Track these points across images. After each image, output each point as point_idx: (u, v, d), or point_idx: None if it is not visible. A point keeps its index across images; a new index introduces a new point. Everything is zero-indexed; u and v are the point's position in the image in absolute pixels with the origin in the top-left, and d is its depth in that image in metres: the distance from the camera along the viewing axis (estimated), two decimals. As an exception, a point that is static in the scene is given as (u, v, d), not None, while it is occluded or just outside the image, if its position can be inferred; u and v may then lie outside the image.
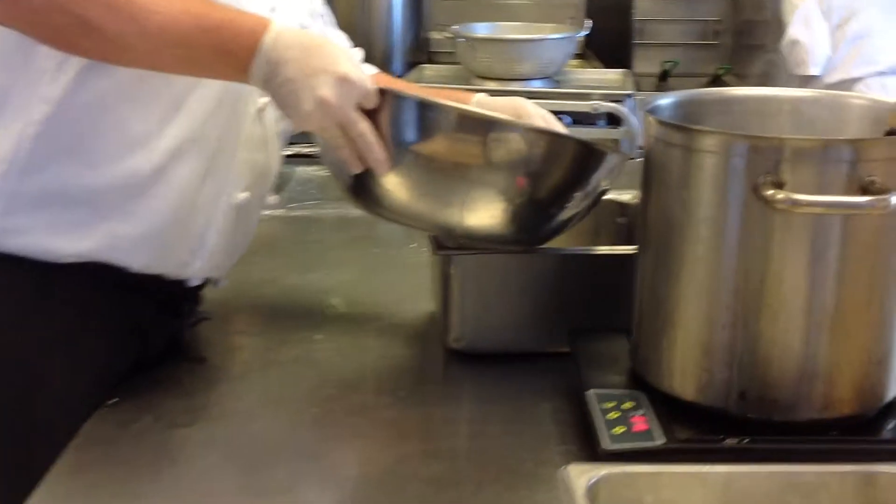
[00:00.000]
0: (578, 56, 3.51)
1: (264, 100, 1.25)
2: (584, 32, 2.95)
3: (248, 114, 1.23)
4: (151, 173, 1.15)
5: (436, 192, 1.13)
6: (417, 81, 3.01)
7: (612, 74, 3.06)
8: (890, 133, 1.01)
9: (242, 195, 1.24)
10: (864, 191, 0.93)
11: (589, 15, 3.50)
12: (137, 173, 1.15)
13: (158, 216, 1.17)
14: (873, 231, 0.96)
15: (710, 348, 1.00)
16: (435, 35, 3.36)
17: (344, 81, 1.06)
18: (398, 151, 1.09)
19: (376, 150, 1.08)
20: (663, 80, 3.35)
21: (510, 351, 1.27)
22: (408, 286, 1.51)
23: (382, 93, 1.09)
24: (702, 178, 0.99)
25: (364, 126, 1.07)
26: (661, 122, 1.04)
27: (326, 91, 1.05)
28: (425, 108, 1.10)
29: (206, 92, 1.17)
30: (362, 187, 1.16)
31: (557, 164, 1.14)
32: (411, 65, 3.25)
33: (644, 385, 1.07)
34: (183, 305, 1.28)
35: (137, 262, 1.17)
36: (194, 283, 1.25)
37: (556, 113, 2.80)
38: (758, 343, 0.98)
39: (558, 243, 1.25)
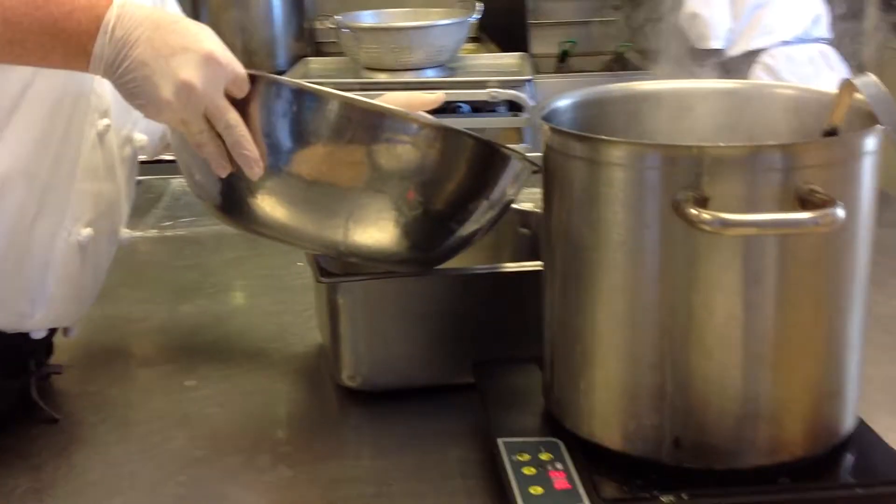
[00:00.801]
0: (473, 40, 3.38)
1: (105, 122, 1.08)
2: (475, 16, 2.82)
3: (86, 138, 1.06)
4: None
5: (316, 202, 0.96)
6: (303, 76, 2.84)
7: (509, 59, 2.94)
8: (829, 133, 0.88)
9: (85, 232, 1.07)
10: (803, 202, 0.80)
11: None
12: None
13: None
14: (816, 248, 0.83)
15: (635, 391, 0.87)
16: (319, 25, 3.19)
17: (210, 61, 0.89)
18: (272, 151, 0.93)
19: (247, 146, 0.91)
20: (563, 62, 3.23)
21: (411, 386, 1.13)
22: (295, 313, 1.35)
23: (253, 79, 0.92)
24: (611, 195, 0.85)
25: (234, 116, 0.91)
26: (558, 131, 0.89)
27: (190, 73, 0.88)
28: (304, 97, 0.93)
29: (30, 116, 0.99)
30: (231, 198, 0.99)
31: (457, 167, 0.98)
32: (296, 58, 3.08)
33: (561, 430, 0.93)
34: (27, 362, 1.10)
35: None
36: (38, 335, 1.07)
37: (452, 102, 2.69)
38: (690, 383, 0.85)
39: (454, 261, 1.10)
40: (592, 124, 0.97)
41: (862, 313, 0.89)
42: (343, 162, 0.94)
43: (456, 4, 3.04)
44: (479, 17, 2.87)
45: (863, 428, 0.93)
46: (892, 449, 0.90)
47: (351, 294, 1.10)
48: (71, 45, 0.90)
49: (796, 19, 2.79)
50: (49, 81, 1.00)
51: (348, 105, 0.93)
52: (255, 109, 0.93)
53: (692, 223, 0.78)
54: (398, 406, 1.10)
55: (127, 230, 1.17)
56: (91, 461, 1.02)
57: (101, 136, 1.07)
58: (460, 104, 2.64)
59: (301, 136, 0.94)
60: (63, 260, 1.05)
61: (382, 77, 2.70)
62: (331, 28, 2.81)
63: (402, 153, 0.95)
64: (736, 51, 2.78)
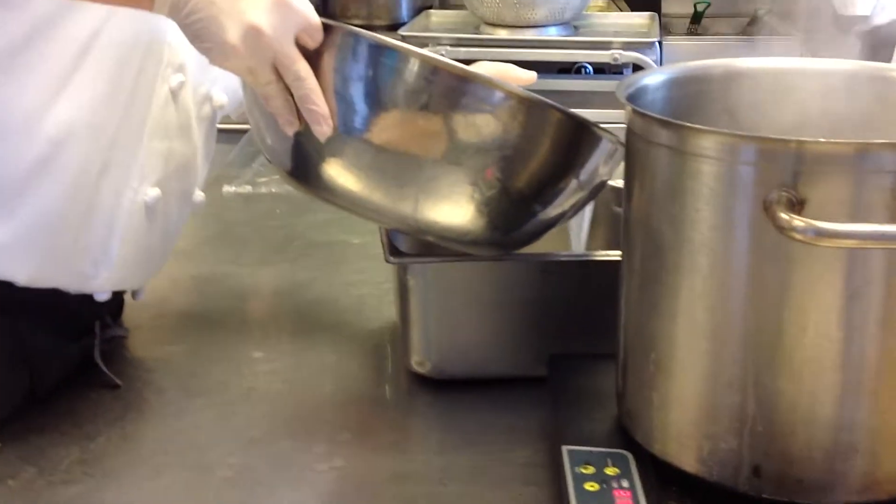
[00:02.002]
0: (605, -4, 3.24)
1: (179, 77, 1.03)
2: (604, -27, 2.69)
3: (158, 93, 1.01)
4: (32, 165, 0.94)
5: (387, 170, 0.89)
6: (423, 29, 2.77)
7: (638, 19, 2.80)
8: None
9: (153, 192, 1.02)
10: (914, 211, 0.69)
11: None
12: (14, 165, 0.94)
13: (42, 217, 0.96)
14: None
15: (712, 410, 0.78)
16: (443, -23, 3.11)
17: (281, 5, 0.83)
18: (343, 109, 0.86)
19: (317, 100, 0.85)
20: (695, 23, 3.07)
21: (482, 376, 1.06)
22: (374, 285, 1.30)
23: (328, 29, 0.86)
24: (696, 190, 0.76)
25: (304, 66, 0.85)
26: (642, 114, 0.80)
27: (259, 16, 0.82)
28: (382, 53, 0.86)
29: (98, 66, 0.95)
30: (300, 162, 0.93)
31: (543, 143, 0.90)
32: (419, 10, 3.01)
33: (632, 442, 0.85)
34: (91, 324, 1.07)
35: (21, 273, 0.96)
36: (102, 297, 1.04)
37: (573, 63, 2.58)
38: (775, 406, 0.76)
39: (536, 243, 1.02)
40: (685, 106, 0.88)
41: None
42: (418, 128, 0.87)
43: (585, -41, 2.91)
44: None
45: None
46: None
47: (422, 276, 1.03)
48: None
49: None
50: (119, 30, 0.96)
51: (429, 65, 0.85)
52: (328, 63, 0.86)
53: (782, 229, 0.69)
54: (468, 396, 1.04)
55: (201, 193, 1.13)
56: (144, 433, 0.99)
57: (175, 92, 1.03)
58: (583, 65, 2.53)
59: (375, 96, 0.86)
60: (128, 220, 1.01)
61: (502, 33, 2.60)
62: (453, -19, 2.72)
63: (482, 123, 0.87)
64: (883, 18, 2.59)
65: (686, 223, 0.77)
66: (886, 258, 0.72)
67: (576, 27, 2.69)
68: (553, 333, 1.04)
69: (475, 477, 0.92)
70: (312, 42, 0.85)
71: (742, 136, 0.76)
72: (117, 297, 1.10)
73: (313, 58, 0.86)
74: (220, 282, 1.33)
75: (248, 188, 1.66)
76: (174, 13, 0.86)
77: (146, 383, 1.08)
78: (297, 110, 0.87)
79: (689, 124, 0.77)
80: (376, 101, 0.87)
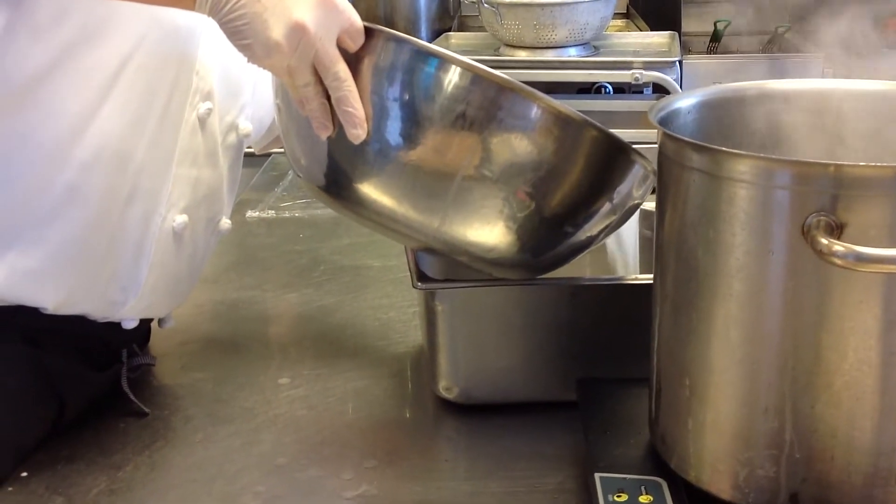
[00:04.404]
0: (623, 16, 3.24)
1: (206, 105, 1.03)
2: (623, -7, 2.69)
3: (186, 121, 1.01)
4: (61, 191, 0.94)
5: (420, 183, 0.87)
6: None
7: (657, 38, 2.80)
8: None
9: (180, 218, 1.02)
10: (956, 235, 0.68)
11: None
12: (44, 192, 0.93)
13: (71, 244, 0.95)
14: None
15: (749, 435, 0.77)
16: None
17: (326, 4, 0.82)
18: (379, 115, 0.85)
19: (354, 103, 0.84)
20: (715, 41, 3.06)
21: (510, 401, 1.05)
22: (400, 309, 1.30)
23: (370, 33, 0.85)
24: (731, 214, 0.75)
25: (343, 68, 0.83)
26: (673, 138, 0.79)
27: (304, 13, 0.81)
28: (424, 58, 0.84)
29: (127, 94, 0.95)
30: (331, 172, 0.92)
31: (577, 161, 0.88)
32: (439, 32, 3.01)
33: (666, 468, 0.84)
34: (119, 353, 1.06)
35: (50, 300, 0.96)
36: (130, 325, 1.04)
37: (593, 83, 2.58)
38: (813, 433, 0.74)
39: (565, 267, 1.01)
40: (719, 128, 0.87)
41: None
42: (455, 138, 0.85)
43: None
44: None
45: None
46: None
47: (450, 301, 1.02)
48: None
49: None
50: (148, 58, 0.96)
51: (472, 73, 0.84)
52: (368, 66, 0.85)
53: (822, 254, 0.68)
54: (496, 422, 1.03)
55: (228, 220, 1.13)
56: (172, 462, 0.98)
57: (203, 120, 1.03)
58: (604, 85, 2.53)
59: (413, 103, 0.85)
60: (157, 247, 1.01)
61: (523, 55, 2.60)
62: (473, 2, 2.72)
63: (519, 135, 0.85)
64: None
65: (721, 248, 0.76)
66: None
67: (596, 47, 2.69)
68: (582, 358, 1.03)
69: (506, 506, 0.91)
70: (354, 44, 0.85)
71: (778, 160, 0.75)
72: (144, 325, 1.10)
73: (353, 61, 0.85)
74: (245, 307, 1.32)
75: (271, 213, 1.66)
76: (215, 11, 0.84)
77: (173, 411, 1.07)
78: (333, 115, 0.86)
79: (723, 148, 0.76)
80: (414, 109, 0.85)
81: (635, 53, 2.62)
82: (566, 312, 1.03)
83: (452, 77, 0.84)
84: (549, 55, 2.58)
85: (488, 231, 0.90)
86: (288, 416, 1.05)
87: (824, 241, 0.68)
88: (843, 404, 0.73)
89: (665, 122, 0.84)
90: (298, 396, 1.09)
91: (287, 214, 1.66)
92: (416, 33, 3.07)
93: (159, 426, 1.04)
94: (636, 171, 0.91)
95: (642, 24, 3.09)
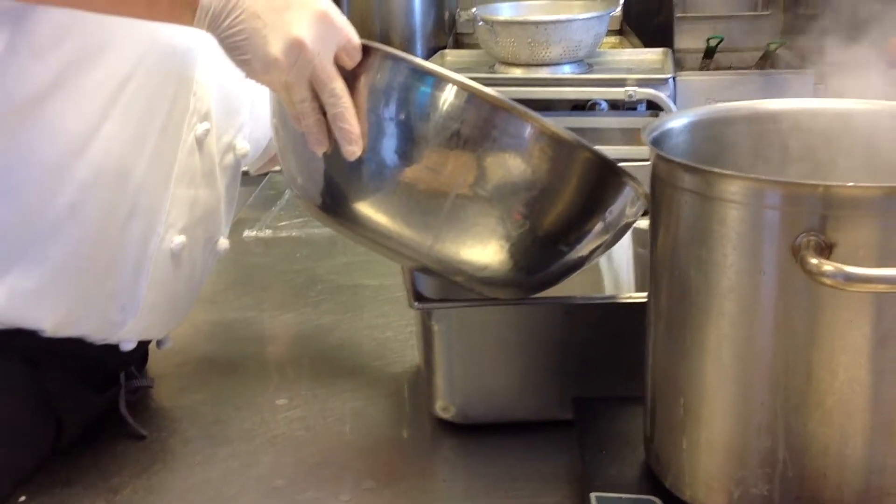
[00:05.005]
0: (617, 33, 3.25)
1: (204, 126, 1.03)
2: (615, 10, 2.70)
3: (184, 141, 1.02)
4: (61, 210, 0.94)
5: (416, 201, 0.88)
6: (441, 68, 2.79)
7: (651, 55, 2.81)
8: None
9: (178, 238, 1.03)
10: (944, 254, 0.69)
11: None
12: (44, 211, 0.94)
13: (70, 263, 0.96)
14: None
15: (742, 454, 0.78)
16: (463, 15, 3.12)
17: (324, 20, 0.83)
18: (375, 133, 0.85)
19: (350, 120, 0.84)
20: (708, 58, 3.08)
21: (508, 420, 1.05)
22: (397, 329, 1.30)
23: (367, 50, 0.86)
24: (723, 234, 0.75)
25: (340, 84, 0.84)
26: (667, 160, 0.80)
27: (303, 30, 0.82)
28: (420, 77, 0.85)
29: (126, 114, 0.96)
30: (327, 190, 0.92)
31: (571, 180, 0.89)
32: (435, 50, 3.03)
33: (661, 487, 0.85)
34: (117, 375, 1.07)
35: (48, 321, 0.97)
36: (128, 346, 1.04)
37: (588, 100, 2.59)
38: (806, 450, 0.75)
39: (559, 286, 1.02)
40: (709, 148, 0.88)
41: None
42: (451, 157, 0.85)
43: (599, -3, 2.93)
44: (620, 10, 2.75)
45: None
46: None
47: (447, 320, 1.03)
48: None
49: None
50: (147, 78, 0.97)
51: (468, 92, 0.85)
52: (364, 83, 0.86)
53: (811, 274, 0.69)
54: (493, 441, 1.03)
55: (226, 240, 1.13)
56: (170, 485, 0.99)
57: (200, 140, 1.03)
58: (598, 101, 2.54)
59: (410, 121, 0.85)
60: (155, 267, 1.02)
61: (517, 72, 2.61)
62: (469, 20, 2.74)
63: (514, 154, 0.86)
64: None
65: (713, 267, 0.77)
66: (918, 299, 0.71)
67: (590, 64, 2.70)
68: (578, 376, 1.03)
69: (503, 528, 0.91)
70: (351, 61, 0.85)
71: (768, 180, 0.76)
72: (142, 347, 1.10)
73: (350, 78, 0.85)
74: (243, 328, 1.33)
75: (268, 232, 1.67)
76: (214, 27, 0.85)
77: (172, 433, 1.08)
78: (329, 131, 0.86)
79: (714, 169, 0.77)
80: (410, 127, 0.86)
81: (629, 70, 2.62)
82: (562, 331, 1.03)
83: (448, 96, 0.85)
84: (544, 72, 2.59)
85: (482, 250, 0.91)
86: (286, 438, 1.06)
87: (814, 260, 0.69)
88: (835, 422, 0.74)
89: (658, 142, 0.85)
90: (296, 417, 1.10)
91: (284, 234, 1.67)
92: (411, 50, 3.09)
93: (157, 448, 1.05)
94: (627, 193, 0.92)
95: (636, 41, 3.10)
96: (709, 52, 3.11)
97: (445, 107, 0.85)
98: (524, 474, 0.98)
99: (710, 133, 0.90)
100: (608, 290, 1.19)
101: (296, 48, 0.82)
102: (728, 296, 0.76)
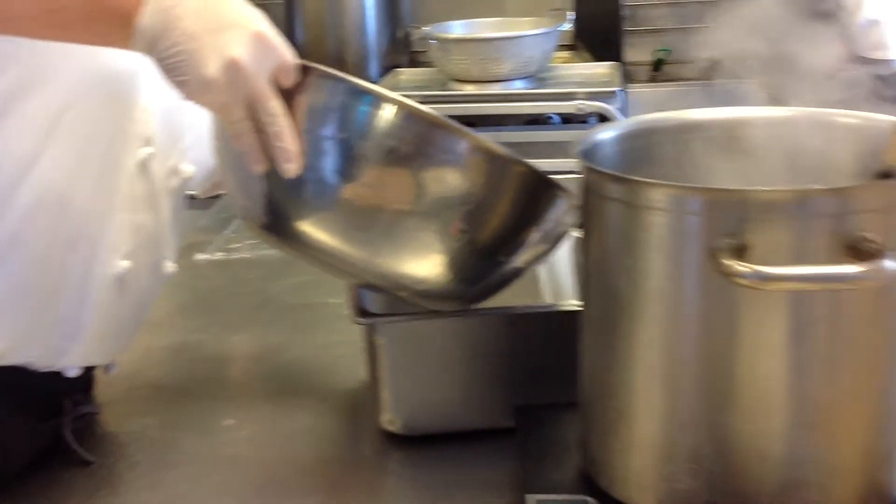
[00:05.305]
0: (569, 48, 3.29)
1: (147, 150, 1.04)
2: (564, 26, 2.73)
3: (126, 167, 1.02)
4: (4, 238, 0.95)
5: (356, 219, 0.89)
6: (392, 87, 2.80)
7: (601, 69, 2.84)
8: (885, 175, 0.79)
9: (123, 264, 1.04)
10: (854, 251, 0.71)
11: (579, 3, 3.29)
12: None
13: (13, 291, 0.97)
14: (870, 303, 0.74)
15: (669, 452, 0.80)
16: (416, 34, 3.15)
17: (260, 40, 0.84)
18: (313, 152, 0.87)
19: (286, 138, 0.85)
20: (657, 70, 3.12)
21: (453, 430, 1.07)
22: (348, 345, 1.30)
23: (305, 70, 0.87)
24: (648, 241, 0.78)
25: (277, 104, 0.85)
26: (594, 170, 0.82)
27: (239, 50, 0.83)
28: (357, 96, 0.86)
29: (67, 141, 0.96)
30: (270, 211, 0.93)
31: (506, 194, 0.91)
32: (389, 68, 3.05)
33: (596, 488, 0.87)
34: (61, 402, 1.07)
35: None
36: (72, 373, 1.05)
37: (540, 115, 2.62)
38: (729, 446, 0.77)
39: (502, 297, 1.03)
40: (638, 159, 0.90)
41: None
42: (389, 175, 0.87)
43: (549, 13, 2.97)
44: (569, 26, 2.78)
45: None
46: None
47: (389, 334, 1.05)
48: (115, 16, 0.86)
49: None
50: (88, 104, 0.98)
51: (404, 110, 0.86)
52: (302, 103, 0.87)
53: (726, 275, 0.71)
54: (440, 452, 1.04)
55: (172, 264, 1.14)
56: (115, 510, 1.00)
57: (144, 165, 1.04)
58: (551, 115, 2.57)
59: (348, 140, 0.87)
60: (99, 293, 1.02)
61: (470, 89, 2.64)
62: (422, 39, 2.76)
63: (451, 170, 0.88)
64: None
65: (640, 273, 0.79)
66: (829, 299, 0.74)
67: (541, 79, 2.73)
68: (521, 385, 1.05)
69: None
70: (288, 81, 0.86)
71: (688, 187, 0.78)
72: (87, 373, 1.11)
73: (287, 98, 0.87)
74: (193, 350, 1.34)
75: (220, 255, 1.68)
76: (151, 49, 0.86)
77: (119, 458, 1.08)
78: (267, 149, 0.87)
79: (638, 178, 0.79)
80: (347, 145, 0.87)
81: (579, 84, 2.66)
82: (504, 341, 1.05)
83: (385, 114, 0.86)
84: (496, 88, 2.62)
85: (422, 263, 0.93)
86: (233, 458, 1.07)
87: (728, 262, 0.71)
88: (756, 418, 0.76)
89: (589, 154, 0.87)
90: (244, 437, 1.11)
91: (236, 256, 1.67)
92: (366, 70, 3.10)
93: (104, 474, 1.05)
94: (561, 204, 0.94)
95: (588, 55, 3.14)
96: (657, 65, 3.16)
97: (382, 125, 0.87)
98: (468, 482, 0.99)
99: (640, 143, 0.93)
100: (549, 299, 1.20)
101: (232, 68, 0.83)
102: (654, 300, 0.79)
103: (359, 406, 1.17)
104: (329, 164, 0.88)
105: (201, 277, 1.61)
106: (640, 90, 2.81)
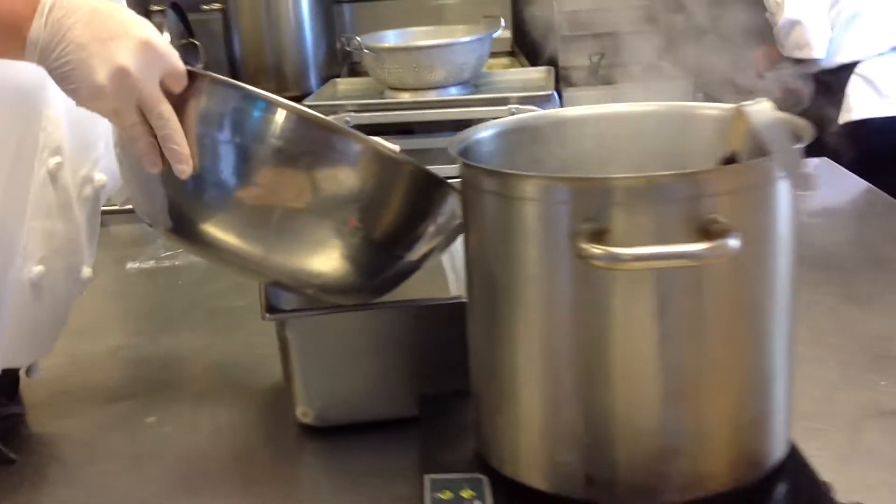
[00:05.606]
0: (508, 54, 3.35)
1: (56, 160, 1.08)
2: (496, 33, 2.80)
3: (36, 176, 1.06)
4: None
5: (254, 220, 0.94)
6: (330, 97, 2.85)
7: (536, 73, 2.92)
8: (729, 160, 0.85)
9: (37, 269, 1.08)
10: (705, 232, 0.77)
11: (515, 10, 3.35)
12: None
13: None
14: (725, 278, 0.80)
15: (549, 429, 0.85)
16: (346, 47, 3.20)
17: (147, 48, 0.88)
18: (206, 156, 0.91)
19: (177, 140, 0.89)
20: (593, 73, 3.19)
21: (364, 420, 1.11)
22: (274, 345, 1.35)
23: (194, 77, 0.91)
24: (521, 229, 0.83)
25: (167, 108, 0.89)
26: (471, 166, 0.88)
27: (126, 58, 0.87)
28: (245, 101, 0.91)
29: None
30: (175, 216, 0.97)
31: (397, 193, 0.96)
32: (326, 79, 3.10)
33: (488, 466, 0.92)
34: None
35: None
36: (-10, 376, 1.09)
37: (478, 119, 2.68)
38: (602, 420, 0.82)
39: (406, 289, 1.08)
40: (515, 153, 0.95)
41: (786, 339, 0.86)
42: (279, 176, 0.92)
43: (483, 20, 3.03)
44: (510, 33, 2.84)
45: (795, 454, 0.90)
46: (815, 475, 0.87)
47: (298, 330, 1.09)
48: (7, 28, 0.89)
49: (893, 29, 2.71)
50: None
51: (290, 115, 0.91)
52: (192, 107, 0.91)
53: (584, 258, 0.76)
54: (351, 442, 1.09)
55: (89, 269, 1.18)
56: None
57: (53, 174, 1.08)
58: (486, 120, 2.63)
59: (239, 143, 0.91)
60: (14, 298, 1.06)
61: (406, 96, 2.70)
62: (356, 49, 2.81)
63: (341, 173, 0.93)
64: (833, 62, 2.73)
65: (515, 261, 0.84)
66: (687, 276, 0.79)
67: (476, 85, 2.79)
68: (427, 375, 1.10)
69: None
70: (177, 86, 0.91)
71: (552, 177, 0.83)
72: (10, 375, 1.14)
73: (179, 103, 0.91)
74: (120, 354, 1.38)
75: (151, 263, 1.72)
76: (43, 59, 0.90)
77: (42, 456, 1.12)
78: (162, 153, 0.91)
79: (508, 171, 0.84)
80: (239, 147, 0.91)
81: (513, 89, 2.72)
82: (408, 333, 1.10)
83: (275, 118, 0.91)
84: (431, 95, 2.68)
85: (320, 259, 0.97)
86: (153, 454, 1.11)
87: (584, 245, 0.76)
88: (626, 393, 0.82)
89: (468, 151, 0.92)
90: (164, 433, 1.15)
91: (167, 264, 1.71)
92: (305, 81, 3.15)
93: (28, 472, 1.09)
94: (452, 200, 0.99)
95: (525, 61, 3.21)
96: (593, 68, 3.23)
97: (273, 128, 0.91)
98: (375, 470, 1.04)
99: (516, 139, 0.98)
100: (454, 291, 1.25)
101: (120, 75, 0.87)
102: (528, 286, 0.84)
103: (277, 401, 1.21)
104: (223, 166, 0.92)
105: (132, 286, 1.65)
106: (577, 93, 2.88)
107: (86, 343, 1.39)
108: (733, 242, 0.75)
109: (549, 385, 0.84)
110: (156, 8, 3.03)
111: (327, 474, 1.07)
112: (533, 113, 1.00)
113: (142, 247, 1.79)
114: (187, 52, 3.06)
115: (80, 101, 0.91)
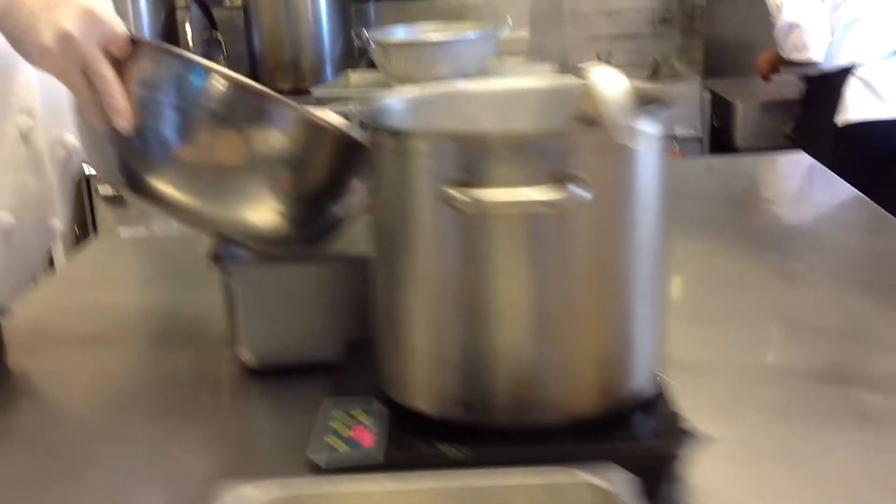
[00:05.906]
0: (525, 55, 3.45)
1: (27, 121, 1.21)
2: (503, 30, 2.90)
3: (7, 134, 1.19)
4: None
5: (195, 177, 1.06)
6: (341, 89, 2.97)
7: (541, 70, 3.01)
8: (582, 121, 0.95)
9: (7, 217, 1.20)
10: (560, 183, 0.87)
11: (534, 11, 3.45)
12: None
13: None
14: (587, 228, 0.90)
15: (435, 360, 0.96)
16: (356, 41, 3.31)
17: (89, 15, 1.00)
18: (147, 117, 1.02)
19: (116, 97, 1.01)
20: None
21: (301, 364, 1.22)
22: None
23: (137, 44, 1.03)
24: (410, 182, 0.93)
25: (107, 68, 1.01)
26: (374, 127, 0.99)
27: (69, 23, 0.99)
28: (180, 66, 1.03)
29: None
30: (124, 171, 1.09)
31: (323, 155, 1.08)
32: (343, 71, 3.21)
33: (385, 397, 1.02)
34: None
35: None
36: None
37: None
38: (484, 354, 0.93)
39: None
40: (416, 119, 1.06)
41: (650, 286, 0.96)
42: (214, 137, 1.03)
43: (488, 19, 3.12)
44: (509, 32, 2.94)
45: (664, 392, 1.00)
46: (670, 408, 0.98)
47: (240, 277, 1.20)
48: None
49: (893, 34, 2.77)
50: None
51: (225, 81, 1.02)
52: (133, 70, 1.03)
53: (452, 205, 0.87)
54: (287, 382, 1.20)
55: (60, 223, 1.30)
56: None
57: (25, 134, 1.20)
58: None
59: (177, 107, 1.03)
60: None
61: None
62: (364, 45, 2.93)
63: (270, 136, 1.04)
64: (832, 65, 2.78)
65: (406, 212, 0.94)
66: (552, 225, 0.89)
67: (482, 80, 2.89)
68: (355, 322, 1.20)
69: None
70: (119, 51, 1.03)
71: (437, 134, 0.94)
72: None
73: (122, 66, 1.03)
74: (97, 306, 1.50)
75: (142, 229, 1.85)
76: (2, 26, 1.02)
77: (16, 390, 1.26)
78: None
79: (402, 130, 0.95)
80: (180, 110, 1.03)
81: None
82: (338, 285, 1.20)
83: (211, 83, 1.03)
84: (436, 89, 2.79)
85: (255, 211, 1.09)
86: (97, 384, 1.25)
87: (451, 192, 0.87)
88: (500, 328, 0.92)
89: (374, 116, 1.03)
90: (127, 375, 1.28)
91: (159, 234, 1.84)
92: (321, 74, 3.27)
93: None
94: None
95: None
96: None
97: (209, 92, 1.03)
98: (309, 405, 1.10)
99: (421, 107, 1.09)
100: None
101: (64, 38, 1.00)
102: (416, 234, 0.94)
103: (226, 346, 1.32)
104: (164, 126, 1.05)
105: (122, 250, 1.78)
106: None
107: (67, 296, 1.53)
108: (583, 193, 0.85)
109: (435, 322, 0.95)
110: (181, 3, 3.18)
111: (263, 408, 1.19)
112: (437, 85, 1.11)
113: (136, 217, 1.92)
114: (211, 46, 3.21)
115: (32, 61, 1.03)
